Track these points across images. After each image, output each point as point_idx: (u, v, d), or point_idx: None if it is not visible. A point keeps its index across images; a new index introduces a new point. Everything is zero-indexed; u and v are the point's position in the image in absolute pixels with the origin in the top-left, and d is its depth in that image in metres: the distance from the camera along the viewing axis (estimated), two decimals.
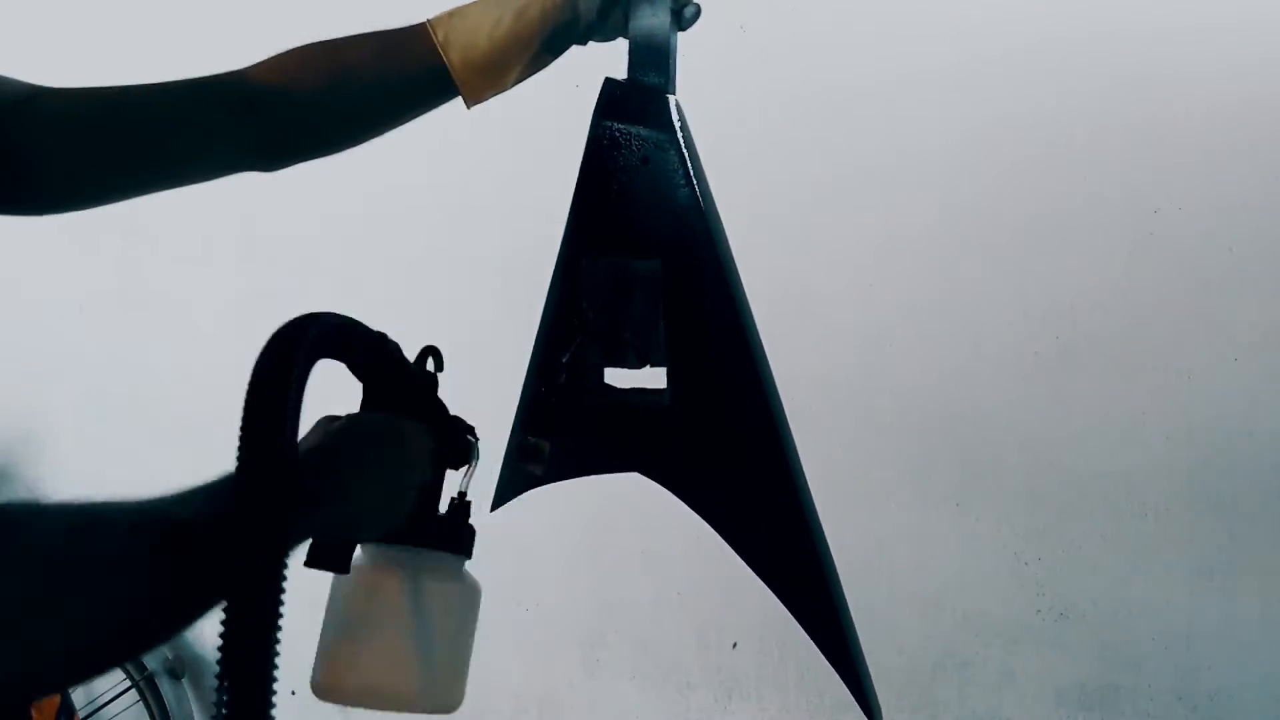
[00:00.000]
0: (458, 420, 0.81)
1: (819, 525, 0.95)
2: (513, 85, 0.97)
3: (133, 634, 0.60)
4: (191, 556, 0.60)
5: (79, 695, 2.43)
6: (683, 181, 0.89)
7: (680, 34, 0.98)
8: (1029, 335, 1.76)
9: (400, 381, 0.75)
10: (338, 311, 0.68)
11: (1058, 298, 1.74)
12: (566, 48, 0.96)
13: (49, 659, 0.55)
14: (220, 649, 0.58)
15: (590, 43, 0.99)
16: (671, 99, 0.93)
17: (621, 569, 2.07)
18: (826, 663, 0.97)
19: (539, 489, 0.98)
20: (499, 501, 1.01)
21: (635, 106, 0.91)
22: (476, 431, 0.82)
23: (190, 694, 2.52)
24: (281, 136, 0.96)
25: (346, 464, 0.70)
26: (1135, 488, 1.71)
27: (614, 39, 0.97)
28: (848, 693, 1.12)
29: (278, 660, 0.59)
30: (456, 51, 0.92)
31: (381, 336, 0.73)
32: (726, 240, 0.95)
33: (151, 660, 2.47)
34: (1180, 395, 1.68)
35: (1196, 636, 1.68)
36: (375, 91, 0.96)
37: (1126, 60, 1.69)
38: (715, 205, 0.94)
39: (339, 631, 0.76)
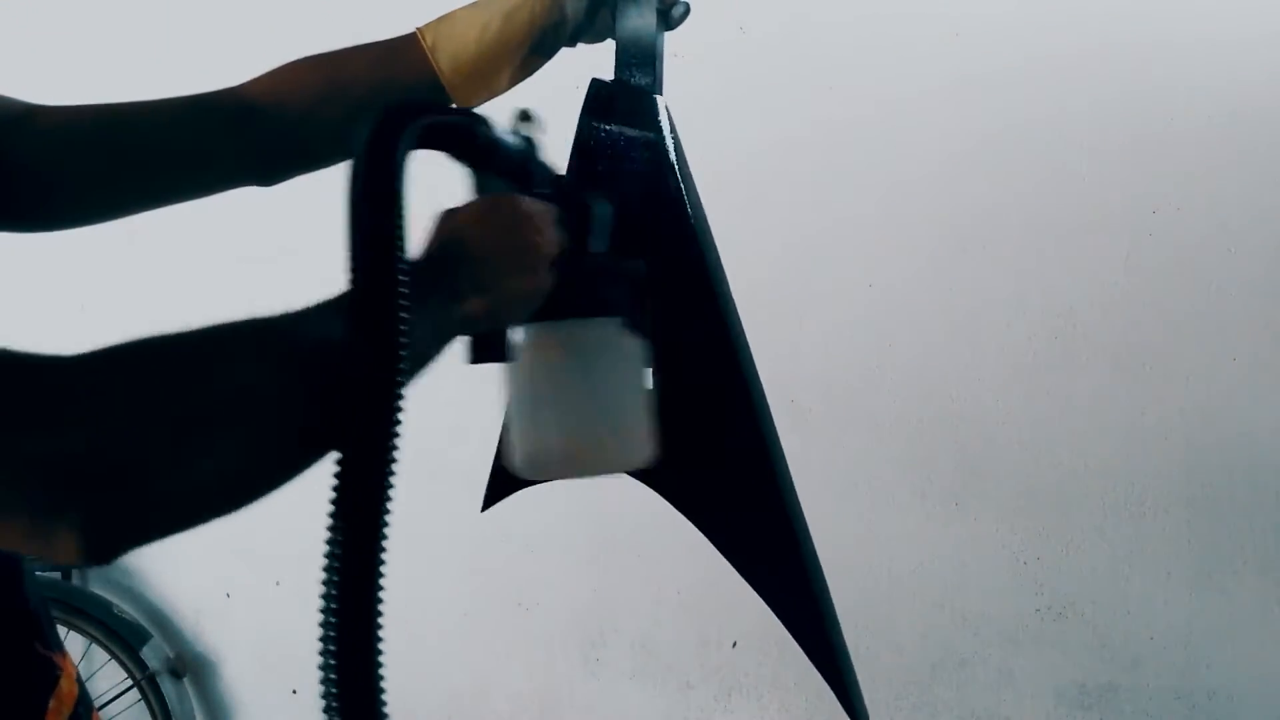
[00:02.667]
0: (566, 181, 0.80)
1: (803, 526, 0.95)
2: (505, 90, 0.97)
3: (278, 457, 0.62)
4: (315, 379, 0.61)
5: None
6: (666, 181, 0.89)
7: (675, 33, 0.98)
8: (1029, 335, 1.76)
9: (503, 159, 0.74)
10: (419, 101, 0.67)
11: (1057, 298, 1.74)
12: (556, 50, 0.97)
13: (219, 477, 0.58)
14: (335, 486, 0.58)
15: (580, 44, 0.99)
16: (657, 99, 0.93)
17: (621, 569, 2.07)
18: None
19: (539, 488, 0.98)
20: (490, 501, 1.01)
21: (621, 107, 0.91)
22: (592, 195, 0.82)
23: (191, 694, 2.52)
24: (279, 151, 0.96)
25: (478, 254, 0.70)
26: (1135, 488, 1.71)
27: (604, 40, 0.97)
28: None
29: (391, 495, 0.59)
30: (445, 57, 0.93)
31: (470, 118, 0.72)
32: (712, 240, 0.94)
33: (153, 659, 2.47)
34: (1180, 395, 1.68)
35: (1196, 636, 1.69)
36: (370, 103, 0.96)
37: (1126, 60, 1.69)
38: (701, 205, 0.94)
39: (521, 414, 0.79)
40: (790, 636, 0.96)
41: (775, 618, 0.97)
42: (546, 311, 0.76)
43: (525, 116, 0.78)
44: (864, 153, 1.85)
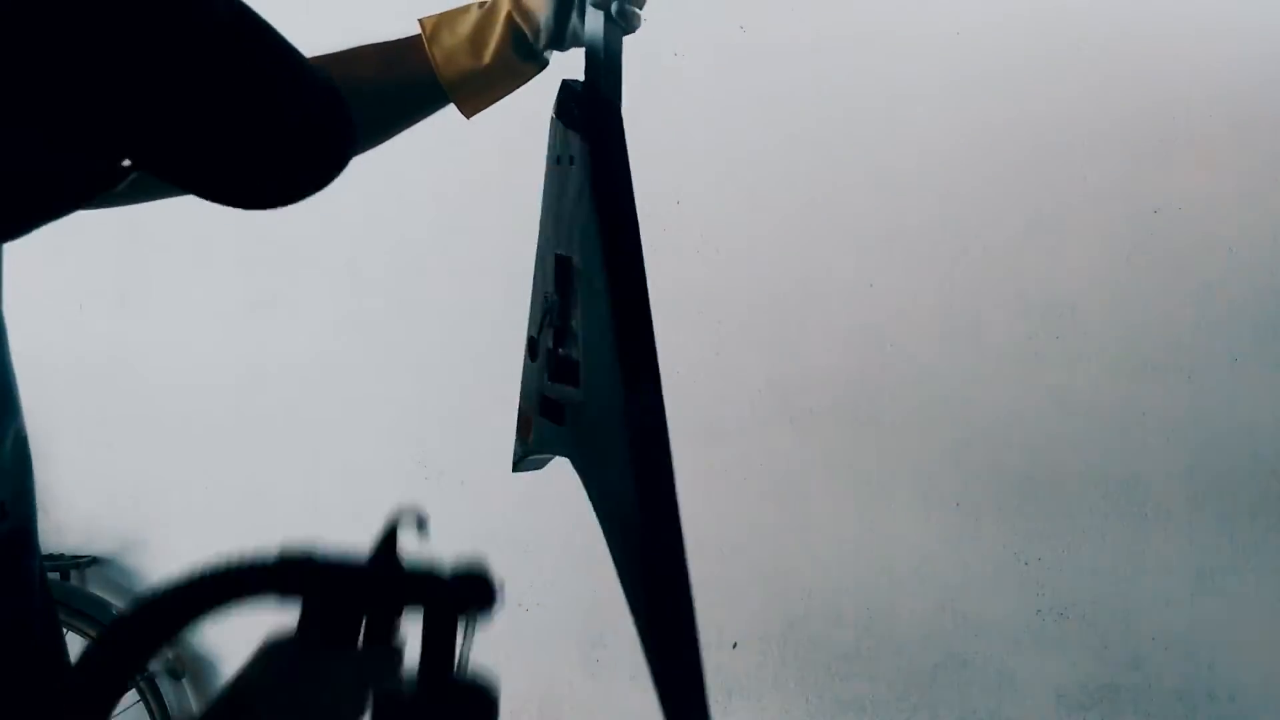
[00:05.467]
0: (438, 591, 0.71)
1: (665, 540, 0.91)
2: (506, 93, 0.98)
3: None
4: None
5: None
6: (585, 185, 0.90)
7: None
8: (1029, 335, 1.76)
9: (336, 597, 0.67)
10: (225, 559, 0.61)
11: (1058, 297, 1.74)
12: (540, 54, 0.97)
13: None
14: None
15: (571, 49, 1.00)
16: (592, 102, 0.93)
17: None
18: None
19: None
20: (517, 468, 1.02)
21: (570, 109, 0.92)
22: (483, 587, 0.72)
23: (190, 694, 2.52)
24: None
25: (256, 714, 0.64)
26: (1135, 488, 1.71)
27: (580, 45, 0.97)
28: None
29: None
30: (441, 54, 0.94)
31: (283, 567, 0.64)
32: (628, 246, 0.92)
33: (152, 660, 2.46)
34: (1180, 395, 1.68)
35: (1197, 636, 1.68)
36: (377, 101, 0.98)
37: (1126, 59, 1.69)
38: (627, 209, 0.92)
39: None
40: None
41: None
42: None
43: (398, 525, 0.69)
44: (864, 152, 1.85)
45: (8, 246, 0.76)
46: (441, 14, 0.96)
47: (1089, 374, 1.73)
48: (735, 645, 2.00)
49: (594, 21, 0.93)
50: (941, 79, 1.79)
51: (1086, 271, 1.72)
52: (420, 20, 0.96)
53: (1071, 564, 1.75)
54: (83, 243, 2.50)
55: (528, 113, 1.07)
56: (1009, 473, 1.78)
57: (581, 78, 0.95)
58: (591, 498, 0.93)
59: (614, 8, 0.91)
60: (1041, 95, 1.74)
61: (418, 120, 1.00)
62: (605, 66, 0.93)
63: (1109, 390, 1.71)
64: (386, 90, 0.97)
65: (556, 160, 0.94)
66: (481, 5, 0.96)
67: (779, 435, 1.89)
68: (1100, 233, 1.71)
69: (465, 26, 0.95)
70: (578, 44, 0.97)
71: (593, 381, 0.90)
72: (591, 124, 0.91)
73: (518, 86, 0.99)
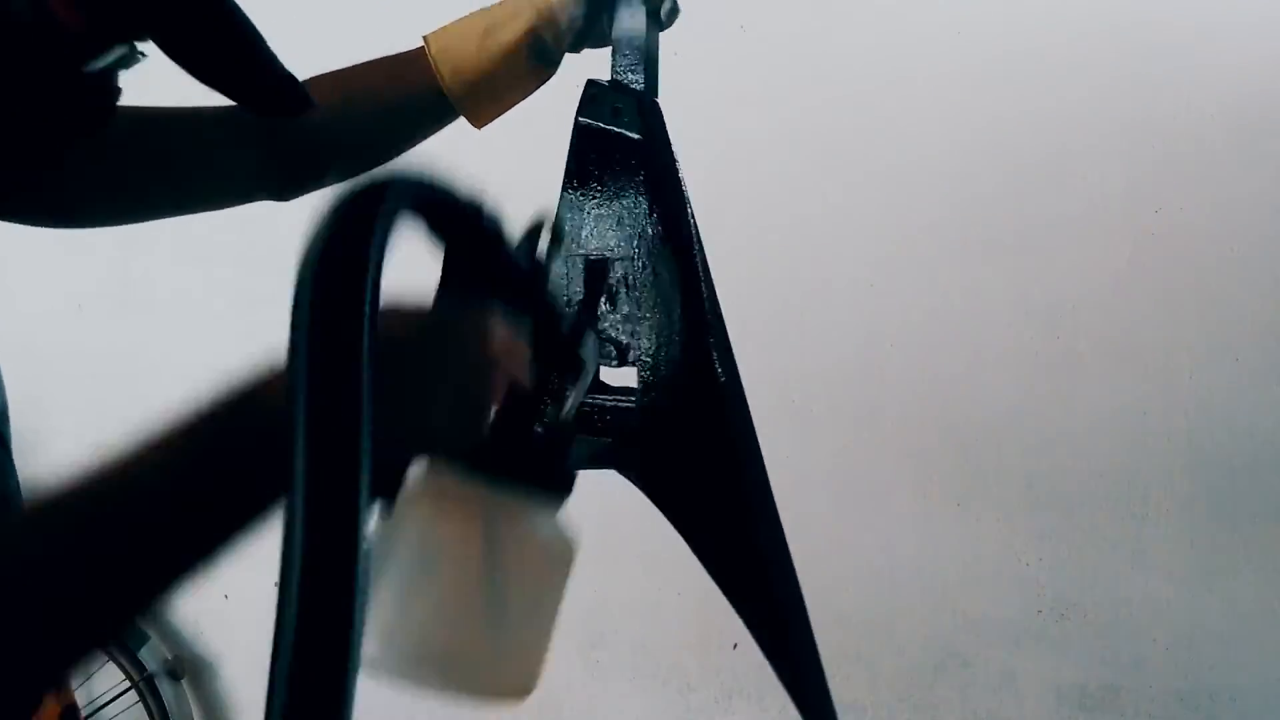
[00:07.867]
0: (568, 320, 0.65)
1: (772, 534, 0.93)
2: (515, 102, 0.97)
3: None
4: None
5: (79, 695, 2.43)
6: (644, 183, 0.89)
7: (676, 32, 0.97)
8: (1030, 335, 1.76)
9: (492, 266, 0.60)
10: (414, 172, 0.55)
11: (1059, 297, 1.74)
12: (559, 58, 0.96)
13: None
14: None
15: (588, 49, 0.99)
16: (642, 100, 0.93)
17: (621, 569, 2.07)
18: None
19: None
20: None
21: (610, 107, 0.91)
22: (592, 341, 0.66)
23: (190, 694, 2.52)
24: (297, 164, 0.96)
25: (407, 369, 0.57)
26: (1136, 488, 1.71)
27: (606, 45, 0.97)
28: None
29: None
30: (447, 66, 0.93)
31: (476, 210, 0.59)
32: (698, 240, 0.93)
33: (151, 661, 2.46)
34: (1180, 395, 1.67)
35: (1198, 637, 1.68)
36: (387, 115, 0.97)
37: (1126, 60, 1.69)
38: (687, 206, 0.93)
39: (391, 583, 0.58)
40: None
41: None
42: (471, 460, 0.60)
43: (551, 233, 0.66)
44: (865, 152, 1.85)
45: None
46: (448, 25, 0.95)
47: (1091, 374, 1.72)
48: (735, 646, 2.00)
49: (629, 19, 0.92)
50: (942, 79, 1.79)
51: (1087, 271, 1.72)
52: (425, 37, 0.95)
53: (1072, 564, 1.75)
54: (83, 243, 2.49)
55: (531, 113, 1.06)
56: (1009, 473, 1.78)
57: (580, 82, 0.95)
58: (661, 503, 0.92)
59: (665, 6, 0.91)
60: (1042, 95, 1.74)
61: (429, 134, 0.99)
62: (646, 63, 0.92)
63: (1111, 390, 1.71)
64: (393, 105, 0.96)
65: (590, 161, 0.92)
66: (487, 10, 0.95)
67: (779, 435, 1.89)
68: (1101, 232, 1.71)
69: (472, 34, 0.93)
70: (599, 44, 0.96)
71: (663, 383, 0.88)
72: (645, 123, 0.90)
73: (529, 93, 0.97)
